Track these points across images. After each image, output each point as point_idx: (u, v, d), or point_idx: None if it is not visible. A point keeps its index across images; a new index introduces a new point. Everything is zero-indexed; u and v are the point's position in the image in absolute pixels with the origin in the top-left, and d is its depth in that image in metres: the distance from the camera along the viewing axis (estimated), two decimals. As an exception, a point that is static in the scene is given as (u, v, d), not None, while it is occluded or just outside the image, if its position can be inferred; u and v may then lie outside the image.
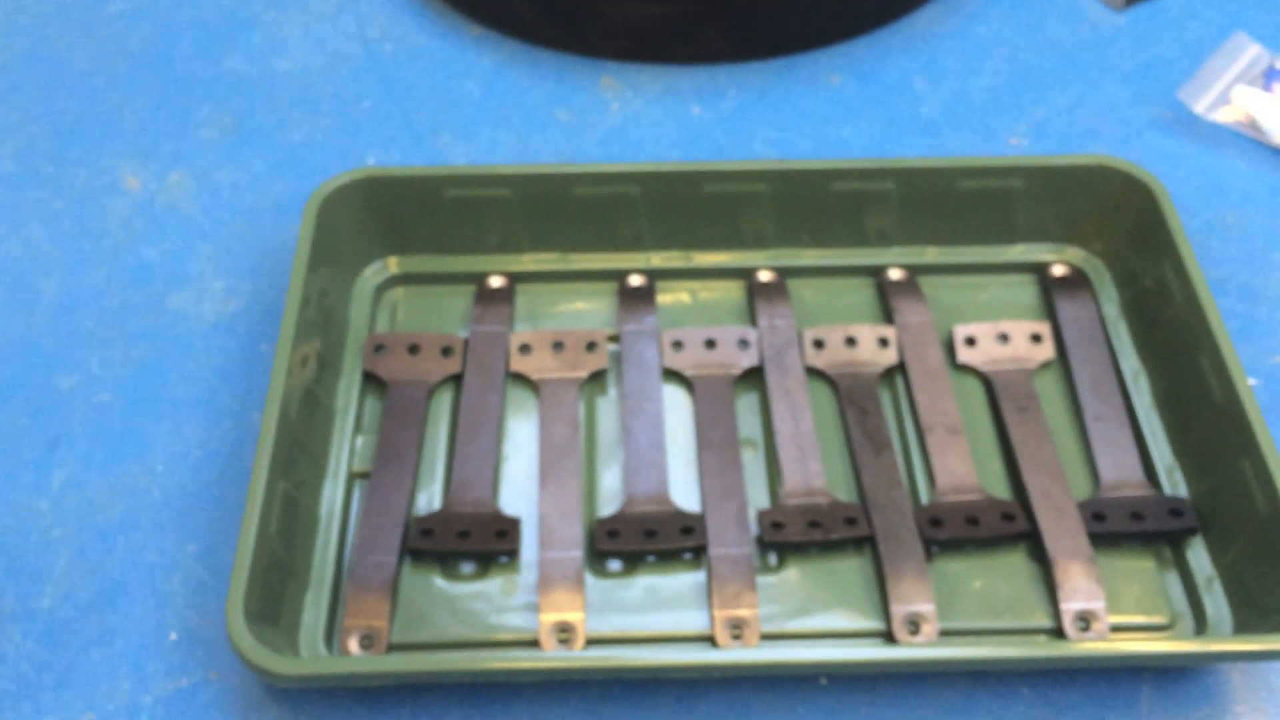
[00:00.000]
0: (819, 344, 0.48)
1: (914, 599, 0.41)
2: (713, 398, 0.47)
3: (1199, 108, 0.58)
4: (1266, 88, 0.58)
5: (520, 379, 0.48)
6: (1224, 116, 0.58)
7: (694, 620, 0.42)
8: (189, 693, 0.41)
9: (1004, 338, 0.48)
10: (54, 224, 0.54)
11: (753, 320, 0.49)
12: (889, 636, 0.41)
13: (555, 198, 0.50)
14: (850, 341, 0.48)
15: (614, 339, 0.49)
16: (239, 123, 0.58)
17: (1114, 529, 0.43)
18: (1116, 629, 0.41)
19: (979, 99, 0.59)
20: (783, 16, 0.60)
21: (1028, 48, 0.62)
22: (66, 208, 0.55)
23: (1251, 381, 0.48)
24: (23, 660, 0.41)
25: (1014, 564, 0.43)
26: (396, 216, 0.50)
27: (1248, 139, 0.57)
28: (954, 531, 0.43)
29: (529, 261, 0.51)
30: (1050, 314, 0.50)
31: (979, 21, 0.63)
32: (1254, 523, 0.41)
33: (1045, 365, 0.48)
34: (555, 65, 0.61)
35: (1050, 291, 0.50)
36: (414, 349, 0.48)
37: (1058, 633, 0.41)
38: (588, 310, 0.50)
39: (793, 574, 0.43)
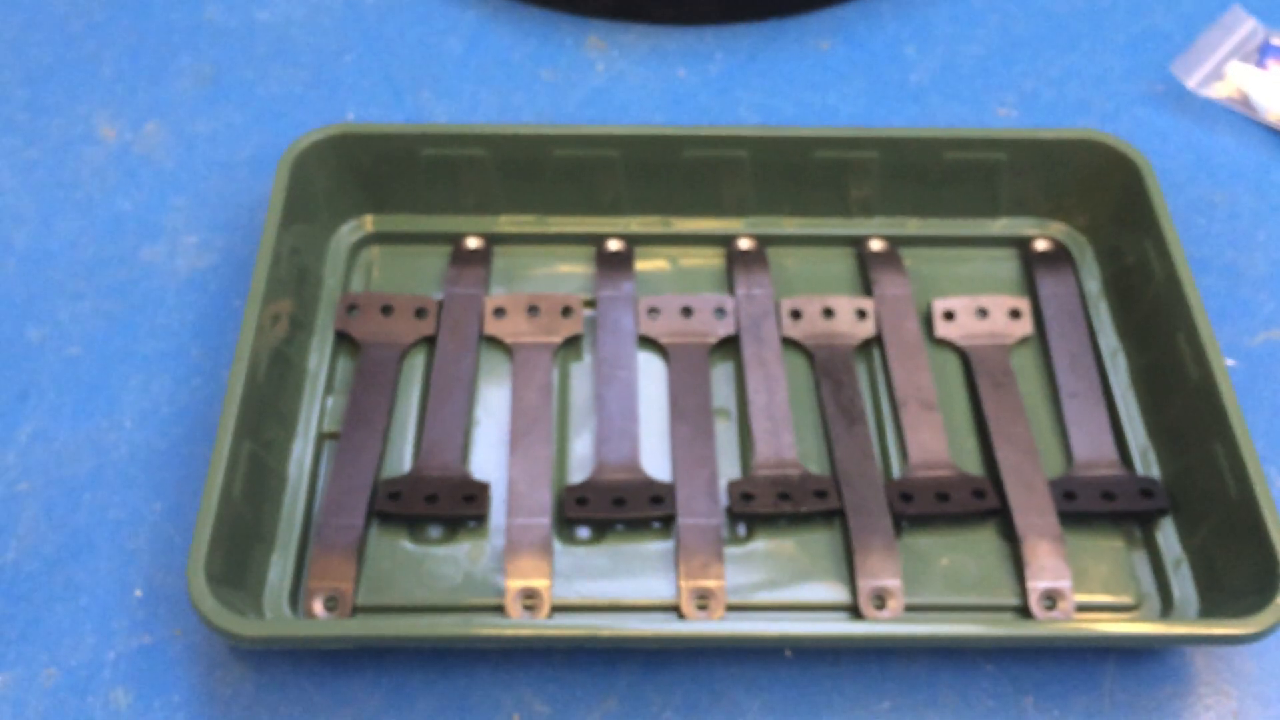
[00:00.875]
0: (796, 314, 0.48)
1: (881, 574, 0.41)
2: (687, 366, 0.46)
3: (1191, 82, 0.57)
4: (1261, 64, 0.57)
5: (494, 342, 0.48)
6: (1217, 92, 0.57)
7: (661, 589, 0.42)
8: (153, 650, 0.41)
9: (983, 312, 0.48)
10: (26, 173, 0.53)
11: (731, 288, 0.49)
12: (855, 610, 0.41)
13: (534, 159, 0.49)
14: (828, 313, 0.48)
15: (590, 304, 0.49)
16: (217, 73, 0.57)
17: (1084, 508, 0.43)
18: (1083, 608, 0.41)
19: (969, 68, 0.59)
20: (773, -22, 0.59)
21: (1021, 16, 0.61)
22: (40, 156, 0.54)
23: (1229, 363, 0.48)
24: (-14, 614, 0.41)
25: (983, 541, 0.43)
26: (373, 174, 0.49)
27: (1239, 115, 0.56)
28: (924, 507, 0.42)
29: (506, 223, 0.50)
30: (1031, 289, 0.49)
31: (973, -12, 0.62)
32: (1224, 505, 0.41)
33: (1023, 341, 0.48)
34: (540, 23, 0.60)
35: (1031, 266, 0.49)
36: (387, 309, 0.47)
37: (1024, 610, 0.41)
38: (564, 274, 0.50)
39: (761, 545, 0.43)
